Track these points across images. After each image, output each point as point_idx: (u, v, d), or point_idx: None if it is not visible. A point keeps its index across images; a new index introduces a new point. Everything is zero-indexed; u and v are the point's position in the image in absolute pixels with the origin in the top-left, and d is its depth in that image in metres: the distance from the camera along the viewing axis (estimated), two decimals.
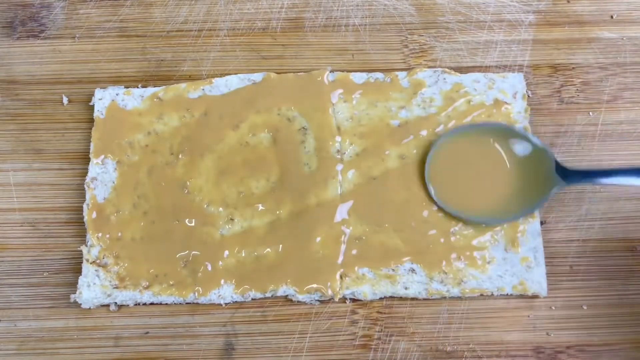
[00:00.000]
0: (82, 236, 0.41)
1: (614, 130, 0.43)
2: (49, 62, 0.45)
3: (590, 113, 0.43)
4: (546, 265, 0.39)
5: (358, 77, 0.43)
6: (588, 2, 0.46)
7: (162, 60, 0.45)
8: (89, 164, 0.42)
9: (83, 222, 0.41)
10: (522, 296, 0.39)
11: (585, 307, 0.40)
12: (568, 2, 0.45)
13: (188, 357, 0.39)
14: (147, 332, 0.40)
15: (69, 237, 0.41)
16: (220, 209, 0.41)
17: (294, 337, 0.39)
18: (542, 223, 0.41)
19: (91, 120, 0.43)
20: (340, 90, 0.43)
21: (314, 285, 0.39)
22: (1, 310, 0.40)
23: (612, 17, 0.45)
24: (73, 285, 0.40)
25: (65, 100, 0.44)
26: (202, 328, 0.40)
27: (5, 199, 0.42)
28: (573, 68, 0.44)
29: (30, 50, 0.45)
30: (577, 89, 0.44)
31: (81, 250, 0.40)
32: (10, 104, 0.44)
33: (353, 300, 0.40)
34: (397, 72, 0.43)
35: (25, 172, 0.43)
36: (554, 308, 0.39)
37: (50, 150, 0.43)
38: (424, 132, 0.42)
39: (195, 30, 0.45)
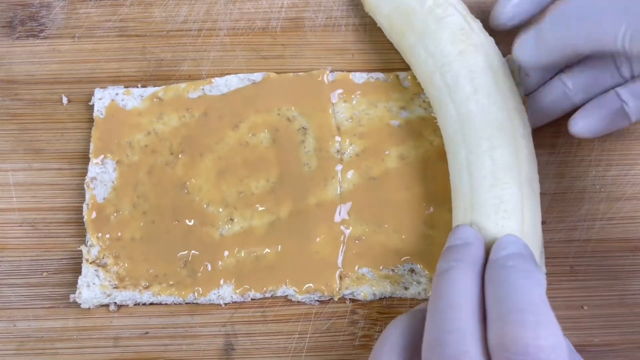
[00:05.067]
0: (81, 236, 0.41)
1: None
2: (49, 62, 0.45)
3: None
4: (546, 266, 0.39)
5: (358, 77, 0.43)
6: None
7: (161, 60, 0.45)
8: (88, 164, 0.42)
9: (83, 222, 0.41)
10: None
11: (585, 308, 0.39)
12: None
13: (188, 358, 0.39)
14: (146, 332, 0.40)
15: (69, 237, 0.41)
16: (220, 209, 0.41)
17: (294, 338, 0.39)
18: (542, 223, 0.40)
19: (91, 120, 0.43)
20: (340, 90, 0.43)
21: (313, 286, 0.39)
22: (0, 311, 0.40)
23: None
24: (72, 285, 0.40)
25: (64, 100, 0.44)
26: (202, 328, 0.40)
27: (5, 199, 0.42)
28: None
29: (29, 50, 0.45)
30: None
31: (81, 250, 0.40)
32: (10, 104, 0.44)
33: (353, 300, 0.40)
34: (397, 72, 0.43)
35: (25, 172, 0.43)
36: (554, 308, 0.39)
37: (50, 150, 0.43)
38: (424, 133, 0.42)
39: (195, 30, 0.45)
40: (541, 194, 0.41)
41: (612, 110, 0.39)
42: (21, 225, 0.42)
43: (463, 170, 0.36)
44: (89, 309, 0.40)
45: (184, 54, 0.45)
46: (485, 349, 0.29)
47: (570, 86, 0.40)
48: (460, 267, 0.31)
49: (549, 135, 0.42)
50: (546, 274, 0.39)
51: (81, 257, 0.40)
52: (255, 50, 0.45)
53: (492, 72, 0.37)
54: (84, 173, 0.42)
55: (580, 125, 0.39)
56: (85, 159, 0.42)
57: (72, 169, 0.43)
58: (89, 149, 0.42)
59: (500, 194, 0.34)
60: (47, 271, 0.41)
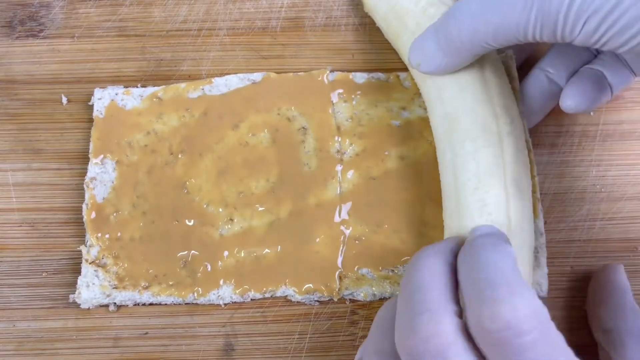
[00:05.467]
0: (81, 236, 0.41)
1: (615, 130, 0.43)
2: (48, 62, 0.45)
3: (592, 113, 0.43)
4: (547, 266, 0.39)
5: (359, 77, 0.43)
6: None
7: (161, 60, 0.45)
8: (88, 163, 0.42)
9: (82, 222, 0.41)
10: None
11: (586, 308, 0.39)
12: None
13: (187, 358, 0.39)
14: (146, 333, 0.39)
15: (68, 237, 0.41)
16: (220, 209, 0.41)
17: (294, 338, 0.39)
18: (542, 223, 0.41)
19: (90, 120, 0.43)
20: (341, 90, 0.43)
21: (313, 286, 0.39)
22: (0, 311, 0.40)
23: None
24: (72, 286, 0.40)
25: (64, 100, 0.44)
26: (202, 329, 0.39)
27: (4, 199, 0.42)
28: None
29: (29, 49, 0.45)
30: None
31: (80, 251, 0.40)
32: (9, 104, 0.44)
33: (353, 301, 0.40)
34: (398, 72, 0.43)
35: (24, 172, 0.42)
36: (554, 308, 0.39)
37: (49, 150, 0.43)
38: (424, 133, 0.42)
39: (195, 30, 0.45)
40: (541, 194, 0.41)
41: (595, 82, 0.38)
42: (21, 226, 0.42)
43: (450, 172, 0.36)
44: (89, 309, 0.40)
45: (183, 54, 0.45)
46: (462, 330, 0.28)
47: (551, 70, 0.40)
48: (431, 254, 0.31)
49: (549, 135, 0.42)
50: (547, 274, 0.39)
51: (81, 257, 0.40)
52: (255, 50, 0.45)
53: (480, 68, 0.36)
54: (83, 173, 0.42)
55: (570, 101, 0.38)
56: (84, 159, 0.42)
57: (72, 169, 0.43)
58: (88, 149, 0.42)
59: (483, 197, 0.34)
60: (47, 271, 0.41)
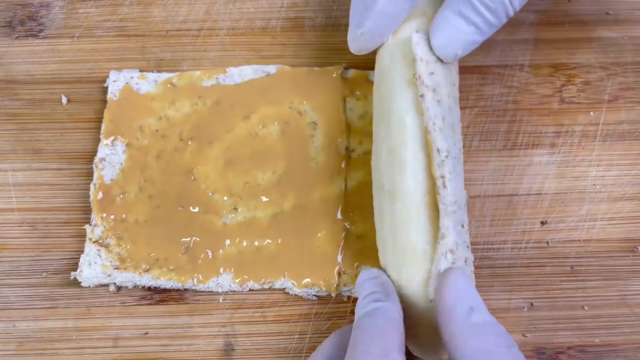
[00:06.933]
0: (81, 236, 0.41)
1: (615, 130, 0.43)
2: (48, 62, 0.45)
3: (591, 113, 0.43)
4: (547, 266, 0.39)
5: (373, 75, 0.43)
6: (589, 2, 0.46)
7: (161, 60, 0.45)
8: (87, 164, 0.42)
9: (82, 223, 0.41)
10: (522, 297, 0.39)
11: (586, 308, 0.39)
12: (569, 1, 0.45)
13: (187, 358, 0.39)
14: (146, 333, 0.39)
15: (68, 237, 0.41)
16: (225, 197, 0.41)
17: (294, 338, 0.39)
18: (543, 223, 0.41)
19: (91, 120, 0.43)
20: (355, 88, 0.43)
21: (311, 280, 0.39)
22: (0, 311, 0.40)
23: (607, 13, 0.45)
24: (73, 286, 0.40)
25: (64, 99, 0.44)
26: (202, 329, 0.39)
27: (4, 199, 0.42)
28: (574, 68, 0.44)
29: (29, 49, 0.45)
30: (578, 89, 0.43)
31: (81, 249, 0.40)
32: (9, 104, 0.44)
33: (354, 300, 0.40)
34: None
35: (24, 172, 0.42)
36: (554, 309, 0.39)
37: (50, 150, 0.43)
38: None
39: (195, 30, 0.45)
40: (541, 193, 0.41)
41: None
42: (21, 226, 0.42)
43: None
44: (89, 309, 0.40)
45: (183, 54, 0.45)
46: None
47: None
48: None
49: (549, 135, 0.42)
50: (545, 274, 0.39)
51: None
52: (255, 50, 0.45)
53: (383, 60, 0.37)
54: (83, 173, 0.42)
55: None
56: (85, 159, 0.42)
57: (72, 169, 0.42)
58: (88, 149, 0.42)
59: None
60: (47, 271, 0.41)
